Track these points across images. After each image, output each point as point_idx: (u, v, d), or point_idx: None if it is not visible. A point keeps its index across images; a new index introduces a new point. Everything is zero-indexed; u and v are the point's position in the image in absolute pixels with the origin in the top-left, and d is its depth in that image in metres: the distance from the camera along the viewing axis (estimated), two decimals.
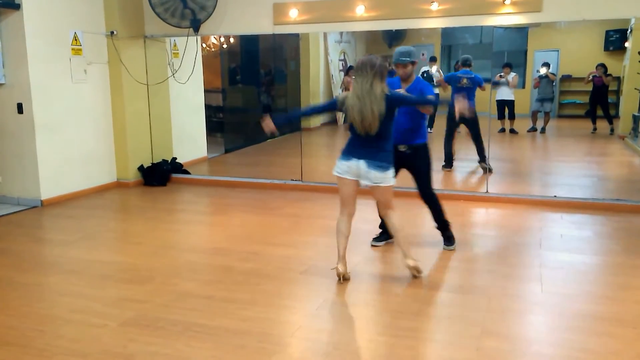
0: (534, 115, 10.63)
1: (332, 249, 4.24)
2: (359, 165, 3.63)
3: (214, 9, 6.37)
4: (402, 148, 4.14)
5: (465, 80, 7.30)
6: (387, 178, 3.66)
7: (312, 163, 7.71)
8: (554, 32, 11.54)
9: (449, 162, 7.56)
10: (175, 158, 7.48)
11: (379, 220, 4.43)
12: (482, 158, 7.30)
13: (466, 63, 7.45)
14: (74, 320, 3.22)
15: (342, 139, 10.44)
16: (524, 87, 11.56)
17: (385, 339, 2.95)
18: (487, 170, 7.08)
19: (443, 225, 4.42)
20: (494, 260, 4.22)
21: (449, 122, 7.48)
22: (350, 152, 3.68)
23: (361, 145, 3.64)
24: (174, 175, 7.26)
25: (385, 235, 4.53)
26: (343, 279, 3.73)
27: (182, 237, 5.00)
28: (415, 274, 3.77)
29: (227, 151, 9.51)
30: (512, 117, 10.27)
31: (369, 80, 3.53)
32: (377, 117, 3.51)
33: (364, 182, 3.70)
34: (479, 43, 11.22)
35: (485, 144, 6.88)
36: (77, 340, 2.96)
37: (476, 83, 7.32)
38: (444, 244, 4.42)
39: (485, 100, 7.83)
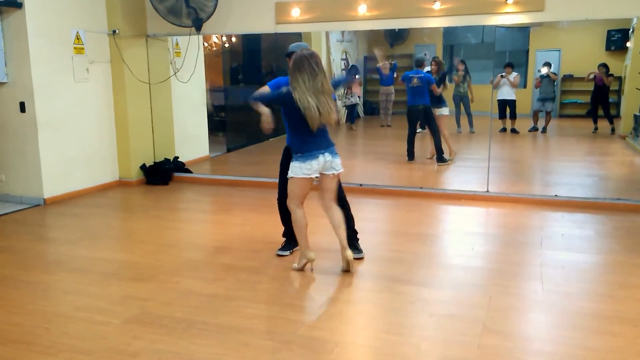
0: (535, 115, 10.65)
1: (334, 247, 4.27)
2: (326, 157, 3.73)
3: (216, 8, 6.38)
4: None
5: (415, 80, 7.74)
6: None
7: None
8: (555, 32, 11.56)
9: (410, 155, 8.01)
10: (178, 157, 7.50)
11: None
12: (439, 154, 7.76)
13: (418, 64, 7.98)
14: (79, 317, 3.24)
15: (343, 138, 10.50)
16: (525, 86, 11.58)
17: (388, 337, 2.97)
18: (442, 161, 7.73)
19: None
20: (495, 259, 4.23)
21: (408, 121, 8.00)
22: (312, 149, 3.71)
23: (316, 138, 3.71)
24: (176, 174, 7.28)
25: (291, 243, 4.30)
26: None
27: (184, 235, 5.02)
28: (349, 267, 3.85)
29: (229, 150, 9.53)
30: (513, 116, 10.31)
31: (320, 79, 3.58)
32: (334, 109, 3.63)
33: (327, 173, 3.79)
34: (481, 43, 11.26)
35: (486, 144, 6.89)
36: (82, 338, 2.98)
37: (425, 82, 7.75)
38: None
39: (487, 99, 7.85)
